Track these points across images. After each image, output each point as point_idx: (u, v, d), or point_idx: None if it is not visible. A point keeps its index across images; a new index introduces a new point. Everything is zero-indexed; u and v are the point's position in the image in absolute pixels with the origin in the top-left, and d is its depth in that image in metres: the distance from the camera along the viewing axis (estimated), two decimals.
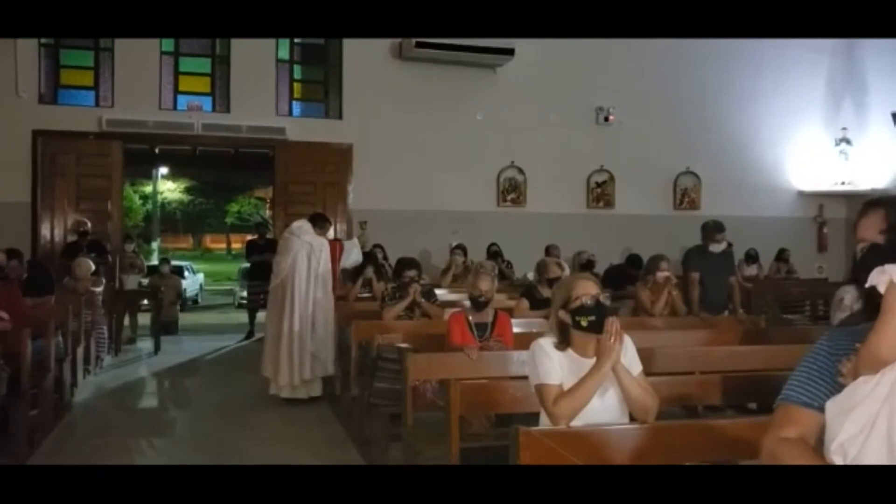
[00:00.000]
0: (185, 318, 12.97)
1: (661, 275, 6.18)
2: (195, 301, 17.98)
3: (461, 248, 9.49)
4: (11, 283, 5.65)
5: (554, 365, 2.76)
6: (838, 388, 1.66)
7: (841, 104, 12.25)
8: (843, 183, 12.06)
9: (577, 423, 2.66)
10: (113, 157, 9.92)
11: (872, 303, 1.67)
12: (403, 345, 4.72)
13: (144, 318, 10.45)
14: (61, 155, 9.68)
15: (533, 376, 2.82)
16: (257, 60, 10.15)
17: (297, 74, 10.98)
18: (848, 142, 12.08)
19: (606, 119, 11.28)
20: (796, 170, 12.22)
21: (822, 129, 12.22)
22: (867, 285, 1.68)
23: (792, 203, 12.27)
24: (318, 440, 5.49)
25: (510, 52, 10.34)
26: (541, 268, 6.24)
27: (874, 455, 1.50)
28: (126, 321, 9.91)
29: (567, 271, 6.50)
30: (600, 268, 9.31)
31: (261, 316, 10.88)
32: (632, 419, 2.76)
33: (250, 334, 10.50)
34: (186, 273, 17.01)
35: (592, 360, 2.73)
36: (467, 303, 4.96)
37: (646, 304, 6.21)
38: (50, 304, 6.38)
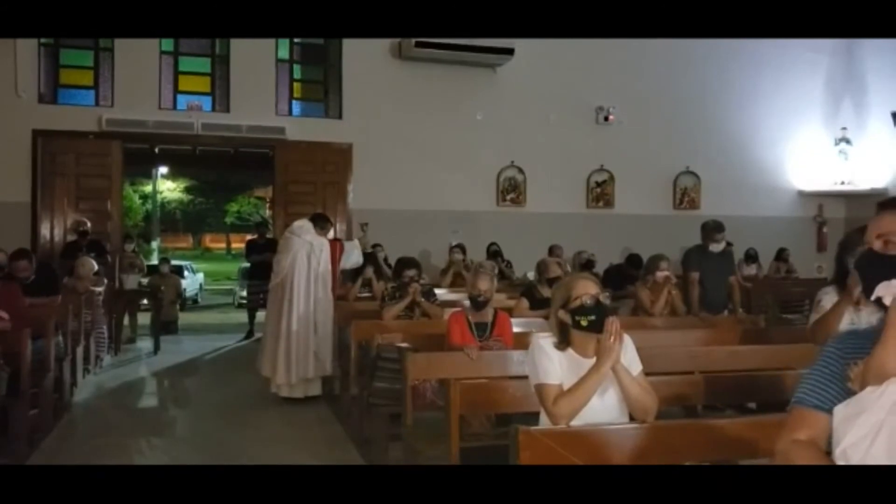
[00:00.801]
0: (185, 318, 12.98)
1: (660, 274, 6.18)
2: (195, 301, 17.99)
3: (461, 248, 9.49)
4: (12, 284, 5.64)
5: (554, 365, 2.76)
6: (848, 391, 1.67)
7: (841, 104, 12.26)
8: (842, 183, 12.07)
9: (576, 422, 2.66)
10: (113, 156, 9.92)
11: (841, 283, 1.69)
12: (403, 344, 4.72)
13: (144, 318, 10.45)
14: (61, 155, 9.68)
15: (533, 376, 2.82)
16: (257, 60, 10.15)
17: (297, 74, 10.99)
18: (847, 141, 12.09)
19: (606, 119, 11.28)
20: (796, 169, 12.22)
21: (821, 128, 12.23)
22: (873, 297, 1.69)
23: (791, 203, 12.27)
24: (317, 440, 5.49)
25: (510, 51, 10.34)
26: (541, 267, 6.24)
27: (875, 463, 1.52)
28: (126, 321, 9.91)
29: (567, 271, 6.52)
30: (600, 267, 9.31)
31: (260, 315, 10.91)
32: (631, 419, 2.76)
33: (250, 334, 10.50)
34: (186, 273, 17.01)
35: (592, 360, 2.73)
36: (467, 302, 4.96)
37: (645, 304, 6.21)
38: (56, 304, 6.37)
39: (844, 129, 12.12)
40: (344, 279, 7.90)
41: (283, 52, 10.60)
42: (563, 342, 2.82)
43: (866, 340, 1.69)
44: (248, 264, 11.83)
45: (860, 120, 12.08)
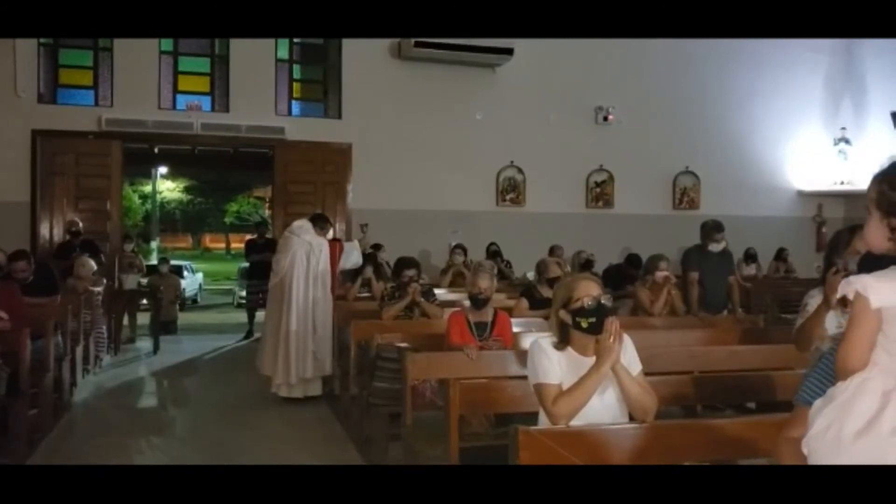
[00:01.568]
0: (185, 318, 12.97)
1: (660, 274, 6.18)
2: (194, 301, 17.98)
3: (460, 248, 9.49)
4: (11, 284, 5.64)
5: (553, 364, 2.76)
6: None
7: (840, 104, 12.27)
8: (841, 183, 12.07)
9: (576, 422, 2.66)
10: (112, 156, 9.92)
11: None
12: (403, 344, 4.72)
13: (144, 318, 10.45)
14: (60, 154, 9.68)
15: (532, 376, 2.82)
16: (257, 60, 10.15)
17: (297, 74, 10.99)
18: (847, 141, 12.09)
19: (606, 119, 11.28)
20: (795, 169, 12.23)
21: (821, 128, 12.23)
22: (839, 295, 1.72)
23: (791, 203, 12.28)
24: (317, 440, 5.48)
25: (509, 51, 10.34)
26: (541, 267, 6.24)
27: (824, 454, 1.58)
28: (125, 321, 9.91)
29: (567, 271, 6.52)
30: (599, 267, 9.31)
31: (260, 315, 10.91)
32: (631, 419, 2.76)
33: (249, 334, 10.50)
34: (185, 273, 17.01)
35: (592, 360, 2.73)
36: (467, 302, 4.96)
37: (645, 304, 6.21)
38: (55, 304, 6.37)
39: (844, 129, 12.12)
40: (343, 279, 7.90)
41: (283, 52, 10.60)
42: (563, 342, 2.82)
43: None
44: (247, 264, 11.83)
45: (859, 120, 12.09)
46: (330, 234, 7.07)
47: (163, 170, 27.20)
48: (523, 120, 10.91)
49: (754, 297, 8.99)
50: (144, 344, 9.69)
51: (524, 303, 5.97)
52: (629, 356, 2.81)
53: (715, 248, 6.51)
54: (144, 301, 10.65)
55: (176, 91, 10.24)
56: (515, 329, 4.88)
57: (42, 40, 9.65)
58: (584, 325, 2.75)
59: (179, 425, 6.09)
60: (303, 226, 6.74)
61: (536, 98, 10.94)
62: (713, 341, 5.10)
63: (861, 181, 11.68)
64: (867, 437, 1.52)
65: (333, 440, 5.48)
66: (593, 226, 11.05)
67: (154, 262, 16.04)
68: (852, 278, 1.65)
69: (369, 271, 7.86)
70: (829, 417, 1.60)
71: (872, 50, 11.72)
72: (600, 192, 11.45)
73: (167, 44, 10.16)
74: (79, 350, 7.01)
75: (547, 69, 10.90)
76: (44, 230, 9.66)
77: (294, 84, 10.85)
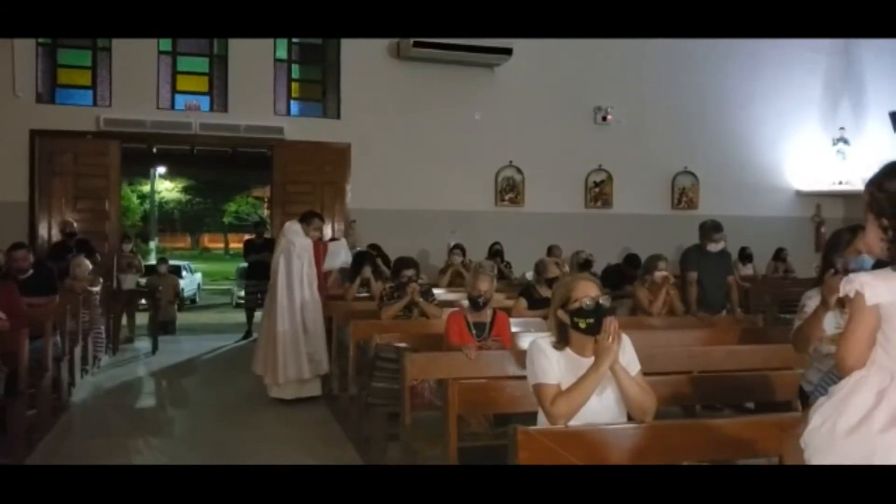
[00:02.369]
0: (183, 318, 12.95)
1: (659, 274, 6.19)
2: (193, 301, 17.95)
3: (459, 248, 9.49)
4: (10, 284, 5.64)
5: (552, 364, 2.76)
6: None
7: (839, 104, 12.28)
8: (840, 183, 12.07)
9: (574, 422, 2.66)
10: (111, 156, 9.91)
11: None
12: (401, 344, 4.72)
13: (142, 318, 10.44)
14: (59, 154, 9.67)
15: (531, 376, 2.82)
16: (255, 60, 10.14)
17: (295, 74, 10.98)
18: (845, 141, 12.10)
19: (604, 119, 11.28)
20: (794, 169, 12.24)
21: (819, 128, 12.24)
22: (840, 294, 1.74)
23: (789, 203, 12.29)
24: (316, 440, 5.48)
25: (508, 51, 10.34)
26: (539, 267, 6.24)
27: (816, 449, 1.60)
28: (124, 321, 9.90)
29: (566, 271, 6.52)
30: (598, 267, 9.31)
31: (258, 315, 10.91)
32: (629, 419, 2.76)
33: (248, 334, 10.49)
34: (184, 272, 16.98)
35: (591, 360, 2.73)
36: (465, 302, 4.96)
37: (644, 304, 6.21)
38: (54, 303, 6.37)
39: (842, 129, 12.13)
40: (342, 279, 7.90)
41: (282, 52, 10.60)
42: (562, 342, 2.82)
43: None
44: (245, 264, 11.82)
45: (858, 120, 12.10)
46: (328, 232, 7.03)
47: (161, 170, 27.19)
48: (522, 120, 10.91)
49: (753, 297, 9.00)
50: (143, 344, 9.68)
51: (523, 303, 5.97)
52: (628, 356, 2.81)
53: (714, 248, 6.51)
54: (143, 301, 10.63)
55: (174, 91, 10.23)
56: (514, 329, 4.89)
57: (40, 40, 9.64)
58: (583, 325, 2.75)
59: (178, 425, 6.08)
60: (291, 226, 6.69)
61: (535, 98, 10.94)
62: (712, 341, 5.10)
63: (860, 181, 11.70)
64: (858, 433, 1.55)
65: (332, 440, 5.48)
66: (592, 226, 11.06)
67: (153, 262, 16.03)
68: (852, 276, 1.67)
69: (368, 271, 7.84)
70: (826, 414, 1.62)
71: (871, 50, 11.73)
72: (599, 192, 11.45)
73: (166, 44, 10.15)
74: (77, 350, 7.00)
75: (546, 69, 10.90)
76: (42, 230, 9.65)
77: (293, 84, 10.84)
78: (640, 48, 10.92)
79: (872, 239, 1.70)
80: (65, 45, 10.03)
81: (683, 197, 11.78)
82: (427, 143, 10.58)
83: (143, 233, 28.09)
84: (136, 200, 31.21)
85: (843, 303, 3.01)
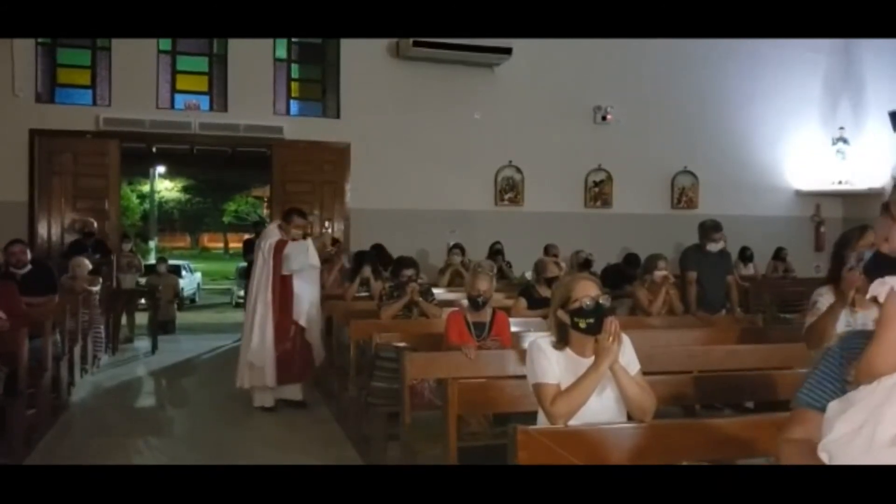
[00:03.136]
0: (183, 318, 12.96)
1: (658, 274, 6.19)
2: (192, 300, 17.94)
3: (458, 248, 9.49)
4: (9, 284, 5.64)
5: (552, 364, 2.76)
6: (845, 390, 1.67)
7: (838, 104, 12.27)
8: (840, 182, 12.07)
9: (574, 422, 2.66)
10: (110, 156, 9.90)
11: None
12: (401, 344, 4.72)
13: (142, 318, 10.44)
14: (58, 154, 9.67)
15: (531, 375, 2.82)
16: (255, 59, 10.14)
17: (295, 73, 10.97)
18: (845, 141, 12.09)
19: (604, 118, 11.28)
20: (793, 169, 12.23)
21: (819, 128, 12.24)
22: (868, 296, 1.69)
23: (789, 202, 12.28)
24: (315, 440, 5.48)
25: (508, 51, 10.34)
26: (539, 267, 6.24)
27: (853, 460, 1.53)
28: (123, 320, 9.90)
29: (565, 270, 6.50)
30: (598, 267, 9.32)
31: None
32: (629, 418, 2.76)
33: None
34: (184, 272, 16.97)
35: (590, 360, 2.73)
36: (465, 302, 4.96)
37: (643, 304, 6.21)
38: (53, 303, 6.37)
39: (842, 128, 12.12)
40: (343, 279, 7.90)
41: (281, 52, 10.59)
42: (562, 342, 2.82)
43: (868, 340, 1.69)
44: (245, 264, 11.82)
45: (858, 120, 12.09)
46: (329, 231, 6.87)
47: (161, 169, 27.19)
48: (522, 119, 10.90)
49: (753, 297, 9.00)
50: (142, 343, 9.68)
51: (522, 302, 5.97)
52: (628, 356, 2.81)
53: (713, 247, 6.51)
54: (143, 301, 10.64)
55: (174, 90, 10.22)
56: (514, 329, 4.89)
57: (40, 40, 9.63)
58: (583, 325, 2.75)
59: (177, 425, 6.08)
60: (267, 227, 6.54)
61: (535, 98, 10.93)
62: (712, 341, 5.10)
63: (859, 181, 11.74)
64: None
65: (332, 440, 5.48)
66: (592, 225, 11.05)
67: (152, 261, 16.03)
68: (887, 278, 1.63)
69: (368, 271, 7.85)
70: (855, 422, 1.55)
71: (871, 50, 11.73)
72: (599, 192, 11.45)
73: (165, 43, 10.14)
74: (77, 350, 7.00)
75: (545, 69, 10.90)
76: (41, 230, 9.65)
77: (292, 83, 10.83)
78: (640, 48, 10.92)
79: None
80: (64, 45, 10.02)
81: (683, 196, 11.78)
82: (427, 143, 10.57)
83: (142, 232, 28.06)
84: (135, 200, 31.20)
85: (854, 301, 3.00)
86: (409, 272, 5.78)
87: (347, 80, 10.51)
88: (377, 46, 10.46)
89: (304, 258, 6.19)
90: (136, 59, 9.72)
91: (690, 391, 3.68)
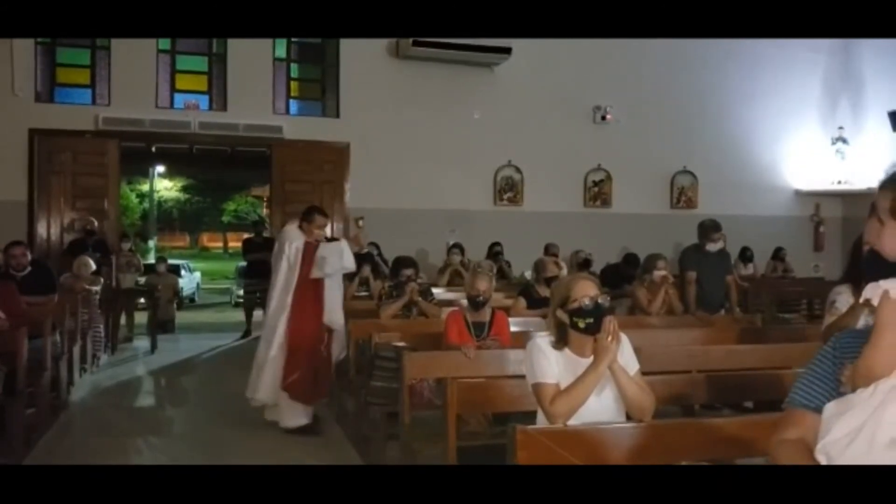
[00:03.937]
0: (182, 317, 12.95)
1: (658, 274, 6.19)
2: (192, 299, 17.95)
3: (458, 247, 9.49)
4: (9, 283, 5.64)
5: (551, 364, 2.77)
6: (838, 390, 1.67)
7: (838, 103, 12.28)
8: (839, 182, 12.08)
9: (573, 421, 2.66)
10: (109, 155, 9.90)
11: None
12: (401, 343, 4.72)
13: (141, 317, 10.44)
14: (58, 153, 9.66)
15: (530, 375, 2.82)
16: (254, 59, 10.14)
17: (295, 73, 10.97)
18: (844, 141, 12.10)
19: (604, 118, 11.28)
20: (793, 169, 12.24)
21: (818, 128, 12.25)
22: (861, 300, 1.68)
23: (788, 202, 12.29)
24: (315, 439, 5.47)
25: (507, 51, 10.34)
26: (538, 267, 6.24)
27: (852, 461, 1.52)
28: (123, 320, 9.90)
29: (565, 270, 6.50)
30: (597, 266, 9.32)
31: (258, 314, 10.90)
32: (628, 418, 2.76)
33: (247, 333, 10.49)
34: (183, 271, 16.97)
35: (589, 360, 2.73)
36: (464, 301, 4.96)
37: (643, 303, 6.21)
38: (53, 302, 6.37)
39: (841, 128, 12.13)
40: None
41: (281, 51, 10.59)
42: (561, 342, 2.82)
43: (861, 340, 1.68)
44: (244, 263, 11.83)
45: (857, 119, 12.10)
46: (362, 228, 6.22)
47: (160, 169, 27.22)
48: (521, 119, 10.90)
49: (752, 297, 9.01)
50: (142, 343, 9.68)
51: (522, 302, 5.97)
52: (626, 356, 2.81)
53: (712, 247, 6.52)
54: (142, 300, 10.63)
55: (173, 90, 10.22)
56: (513, 329, 4.89)
57: (39, 39, 9.63)
58: (582, 325, 2.75)
59: (177, 424, 6.08)
60: (286, 230, 5.82)
61: (534, 97, 10.93)
62: (711, 341, 5.11)
63: (859, 181, 11.73)
64: None
65: (331, 439, 5.48)
66: (591, 225, 11.06)
67: (152, 260, 16.03)
68: (881, 282, 1.62)
69: (367, 270, 7.86)
70: (853, 424, 1.55)
71: (870, 50, 11.74)
72: (598, 192, 11.45)
73: (165, 42, 10.14)
74: (76, 349, 7.00)
75: (545, 68, 10.90)
76: (41, 229, 9.65)
77: (292, 83, 10.84)
78: (640, 48, 10.92)
79: (894, 246, 1.63)
80: (64, 44, 10.01)
81: (682, 196, 11.78)
82: (426, 143, 10.57)
83: (142, 232, 28.07)
84: (135, 199, 31.21)
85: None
86: (408, 272, 5.78)
87: (347, 79, 10.50)
88: (377, 46, 10.45)
89: (339, 261, 5.71)
90: (135, 58, 9.72)
91: (689, 391, 3.68)
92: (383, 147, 10.44)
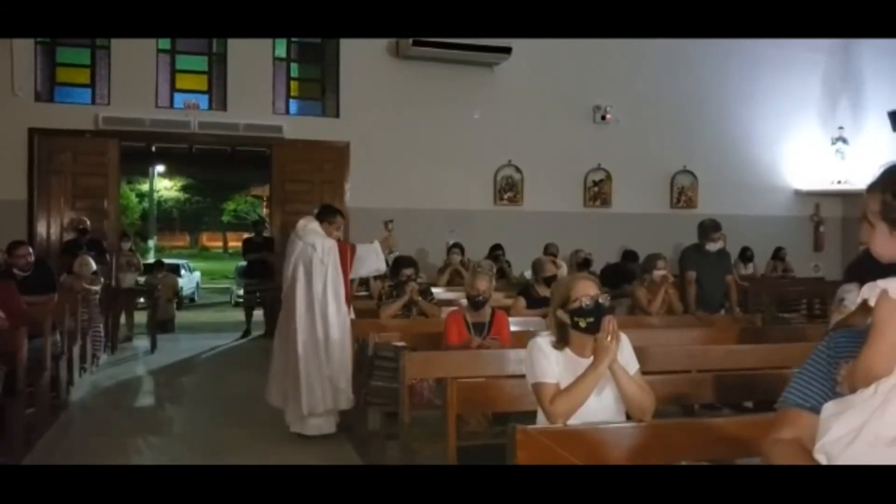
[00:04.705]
0: (182, 317, 12.97)
1: (658, 273, 6.19)
2: (192, 299, 17.96)
3: (458, 247, 9.49)
4: (9, 283, 5.64)
5: (551, 364, 2.77)
6: (833, 390, 1.66)
7: (837, 103, 12.28)
8: (839, 182, 12.08)
9: (573, 421, 2.66)
10: (109, 155, 9.90)
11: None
12: (400, 343, 4.72)
13: (141, 317, 10.44)
14: (58, 153, 9.66)
15: (530, 375, 2.82)
16: (254, 58, 10.13)
17: (294, 73, 10.97)
18: (844, 141, 12.10)
19: (604, 118, 11.28)
20: (793, 169, 12.24)
21: (818, 128, 12.25)
22: (858, 300, 1.68)
23: (788, 202, 12.29)
24: (314, 439, 5.47)
25: (507, 50, 10.34)
26: (537, 266, 6.24)
27: (853, 461, 1.52)
28: (122, 319, 9.90)
29: (563, 269, 6.50)
30: (597, 266, 9.32)
31: (258, 314, 10.92)
32: (628, 418, 2.76)
33: (247, 332, 10.50)
34: (183, 271, 16.99)
35: (589, 360, 2.73)
36: (464, 301, 4.96)
37: (643, 303, 6.22)
38: (53, 302, 6.37)
39: (841, 128, 12.13)
40: None
41: (281, 51, 10.59)
42: (561, 341, 2.83)
43: (857, 340, 1.68)
44: (244, 263, 11.83)
45: (857, 119, 12.10)
46: (392, 231, 6.07)
47: (160, 168, 27.18)
48: (521, 119, 10.90)
49: (752, 297, 9.01)
50: (142, 343, 9.69)
51: (522, 302, 5.98)
52: (626, 355, 2.81)
53: (712, 247, 6.52)
54: (142, 300, 10.64)
55: (173, 89, 10.22)
56: (513, 328, 4.89)
57: (39, 39, 9.62)
58: (582, 324, 2.75)
59: (177, 424, 6.08)
60: (307, 225, 5.57)
61: (534, 97, 10.93)
62: (711, 340, 5.11)
63: (858, 181, 11.72)
64: None
65: (331, 439, 5.47)
66: (591, 225, 11.06)
67: (151, 260, 16.02)
68: (878, 282, 1.62)
69: None
70: (853, 424, 1.54)
71: (870, 50, 11.74)
72: (598, 191, 11.45)
73: (165, 42, 10.14)
74: (76, 349, 7.00)
75: (545, 68, 10.90)
76: (41, 229, 9.65)
77: (292, 83, 10.83)
78: (640, 48, 10.92)
79: (886, 249, 1.63)
80: (64, 44, 10.01)
81: (682, 196, 11.78)
82: (426, 142, 10.57)
83: (141, 231, 28.06)
84: (134, 199, 31.20)
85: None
86: (408, 271, 5.77)
87: (347, 79, 10.50)
88: (377, 46, 10.45)
89: (376, 262, 5.70)
90: (135, 58, 9.72)
91: (689, 391, 3.68)
92: (383, 147, 10.44)
